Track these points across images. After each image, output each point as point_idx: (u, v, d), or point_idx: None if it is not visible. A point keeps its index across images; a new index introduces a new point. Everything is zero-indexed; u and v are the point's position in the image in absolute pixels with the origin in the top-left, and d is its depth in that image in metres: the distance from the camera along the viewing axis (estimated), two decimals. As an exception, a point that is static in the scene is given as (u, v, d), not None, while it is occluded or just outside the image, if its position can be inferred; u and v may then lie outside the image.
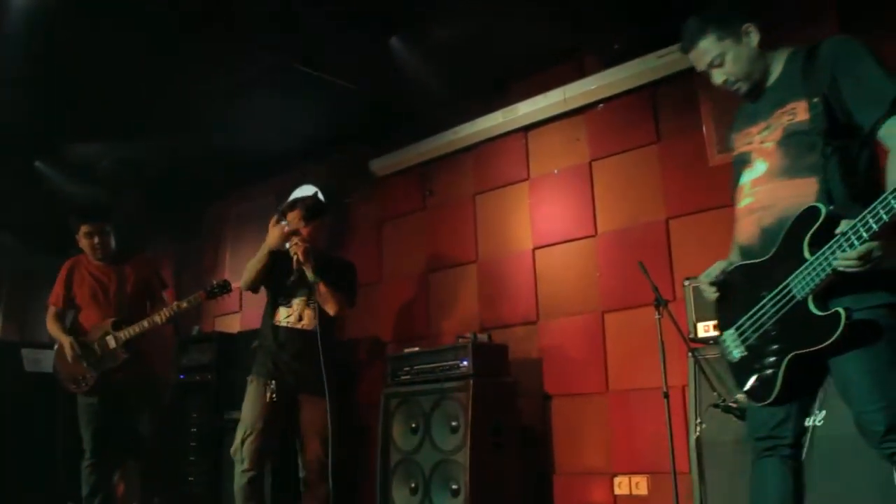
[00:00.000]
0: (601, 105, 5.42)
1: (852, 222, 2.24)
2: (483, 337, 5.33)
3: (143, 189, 7.90)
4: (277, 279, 4.63)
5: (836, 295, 2.37)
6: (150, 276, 5.39)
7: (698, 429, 4.01)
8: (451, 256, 6.20)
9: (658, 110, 5.17)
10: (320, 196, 5.47)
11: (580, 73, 5.46)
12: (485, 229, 6.05)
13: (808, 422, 3.46)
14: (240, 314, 7.92)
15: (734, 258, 2.79)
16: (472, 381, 4.87)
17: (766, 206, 2.55)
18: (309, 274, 4.44)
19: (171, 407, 6.57)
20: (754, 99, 2.73)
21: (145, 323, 5.00)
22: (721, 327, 2.77)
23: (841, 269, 2.28)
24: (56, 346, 5.20)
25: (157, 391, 5.36)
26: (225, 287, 5.04)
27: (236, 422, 5.89)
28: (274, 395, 4.41)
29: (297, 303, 4.60)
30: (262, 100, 6.08)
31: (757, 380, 2.59)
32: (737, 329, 2.66)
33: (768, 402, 2.56)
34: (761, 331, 2.56)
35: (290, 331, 4.56)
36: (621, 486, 4.98)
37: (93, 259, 5.32)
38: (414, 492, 5.04)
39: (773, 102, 2.64)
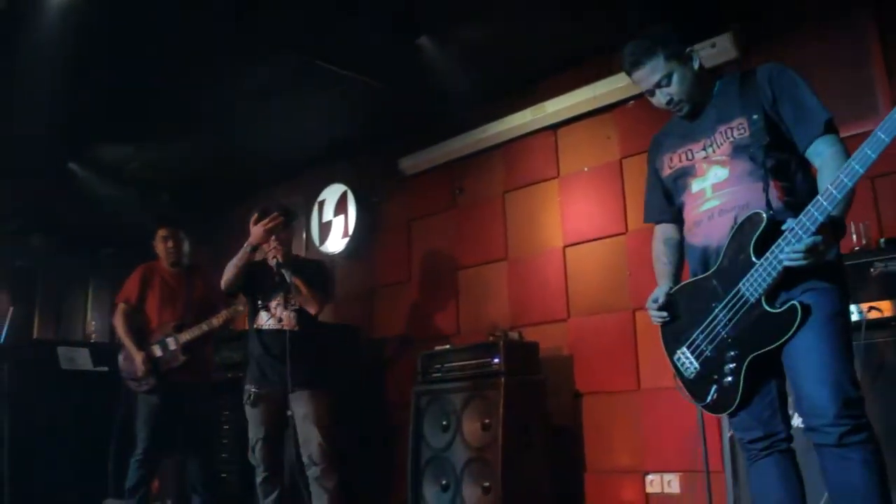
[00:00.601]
0: (631, 102, 5.39)
1: (798, 218, 2.37)
2: (514, 335, 5.33)
3: (173, 190, 7.98)
4: (255, 286, 4.71)
5: (786, 288, 2.48)
6: (216, 289, 5.49)
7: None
8: (481, 254, 6.21)
9: (688, 107, 5.13)
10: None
11: (609, 71, 5.43)
12: (514, 227, 6.05)
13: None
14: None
15: (671, 282, 2.87)
16: (503, 379, 4.88)
17: (740, 204, 2.59)
18: (288, 276, 4.53)
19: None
20: (691, 119, 2.81)
21: (204, 325, 5.20)
22: (671, 347, 2.80)
23: (788, 263, 2.38)
24: (123, 350, 5.41)
25: (210, 394, 5.57)
26: None
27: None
28: (251, 398, 4.56)
29: (275, 306, 4.66)
30: (291, 100, 6.12)
31: (716, 391, 2.63)
32: (689, 346, 2.70)
33: (731, 410, 2.61)
34: (717, 340, 2.60)
35: (271, 333, 4.61)
36: (653, 484, 4.96)
37: (165, 264, 5.55)
38: (445, 489, 5.06)
39: (714, 120, 2.72)
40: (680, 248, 2.93)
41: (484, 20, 5.18)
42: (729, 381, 2.57)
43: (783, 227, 2.41)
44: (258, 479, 4.59)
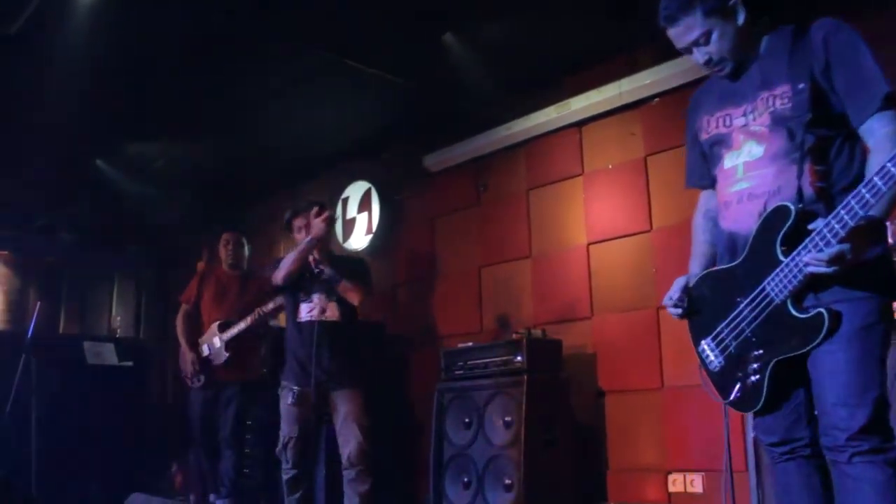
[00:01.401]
0: (656, 99, 5.37)
1: (826, 220, 2.16)
2: (537, 332, 5.32)
3: (197, 187, 8.04)
4: (296, 278, 4.72)
5: (815, 291, 2.28)
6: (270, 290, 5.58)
7: (756, 426, 3.95)
8: (505, 252, 6.20)
9: (714, 104, 5.10)
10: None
11: (634, 68, 5.40)
12: (538, 225, 6.03)
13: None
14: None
15: (696, 269, 2.70)
16: (526, 377, 4.87)
17: (771, 190, 2.38)
18: (327, 270, 4.57)
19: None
20: (734, 79, 2.55)
21: (242, 324, 5.41)
22: (696, 338, 2.65)
23: (811, 270, 2.19)
24: (181, 349, 5.73)
25: (255, 393, 5.71)
26: None
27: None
28: (296, 397, 4.54)
29: (317, 297, 4.67)
30: (315, 97, 6.15)
31: (740, 389, 2.47)
32: (714, 338, 2.55)
33: (757, 409, 2.46)
34: (741, 337, 2.44)
35: (313, 324, 4.59)
36: (676, 483, 4.93)
37: (225, 266, 5.85)
38: (467, 486, 5.05)
39: (757, 83, 2.47)
40: None
41: (508, 17, 5.17)
42: (753, 381, 2.41)
43: (810, 227, 2.22)
44: (285, 476, 4.59)
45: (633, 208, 5.43)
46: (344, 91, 6.05)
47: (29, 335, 6.00)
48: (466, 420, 5.15)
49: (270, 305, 5.29)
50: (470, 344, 5.46)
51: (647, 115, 5.46)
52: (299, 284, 4.73)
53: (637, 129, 5.51)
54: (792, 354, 2.31)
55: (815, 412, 2.36)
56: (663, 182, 5.31)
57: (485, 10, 5.10)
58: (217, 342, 5.49)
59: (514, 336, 5.22)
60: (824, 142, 2.33)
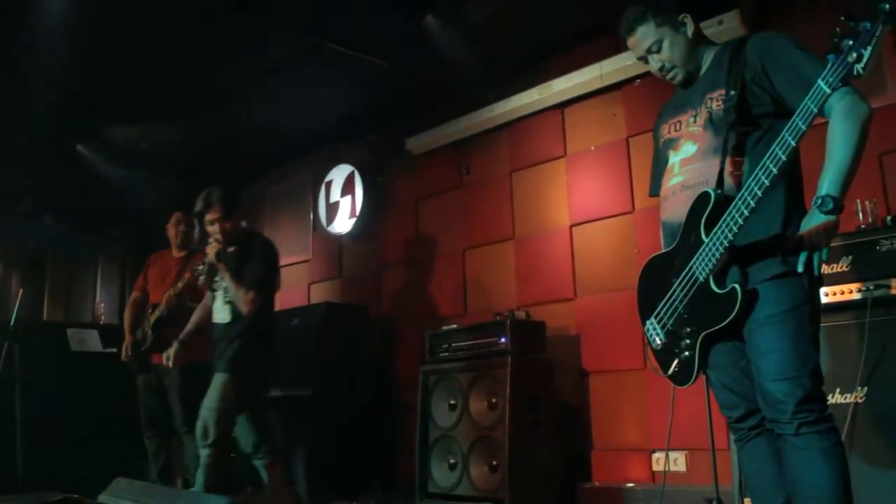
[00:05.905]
0: (638, 80, 5.37)
1: (739, 195, 2.35)
2: (521, 314, 5.34)
3: (180, 170, 7.99)
4: None
5: (743, 270, 2.46)
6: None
7: (738, 405, 3.99)
8: (488, 234, 6.21)
9: (696, 85, 5.11)
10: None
11: (616, 49, 5.40)
12: (521, 206, 6.04)
13: (850, 398, 3.47)
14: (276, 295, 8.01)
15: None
16: (510, 358, 4.90)
17: (700, 181, 2.58)
18: (224, 277, 4.44)
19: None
20: (686, 87, 2.80)
21: (163, 302, 5.29)
22: (643, 318, 2.82)
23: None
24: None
25: (193, 374, 5.40)
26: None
27: (273, 399, 5.98)
28: None
29: (218, 298, 4.56)
30: (299, 79, 6.11)
31: (678, 364, 2.62)
32: (655, 316, 2.71)
33: (690, 383, 2.61)
34: (675, 315, 2.62)
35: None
36: (659, 462, 4.98)
37: (173, 249, 5.70)
38: (452, 468, 5.09)
39: (702, 90, 2.70)
40: None
41: (490, -1, 5.17)
42: (686, 356, 2.58)
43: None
44: None
45: (616, 189, 5.45)
46: (327, 74, 6.01)
47: (12, 322, 5.97)
48: (451, 401, 5.19)
49: (179, 285, 5.14)
50: (454, 326, 5.49)
51: (628, 97, 5.47)
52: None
53: (619, 110, 5.52)
54: (715, 328, 2.47)
55: (757, 392, 2.47)
56: (645, 163, 5.26)
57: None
58: (147, 325, 5.42)
59: (497, 318, 5.23)
60: (742, 137, 2.54)
